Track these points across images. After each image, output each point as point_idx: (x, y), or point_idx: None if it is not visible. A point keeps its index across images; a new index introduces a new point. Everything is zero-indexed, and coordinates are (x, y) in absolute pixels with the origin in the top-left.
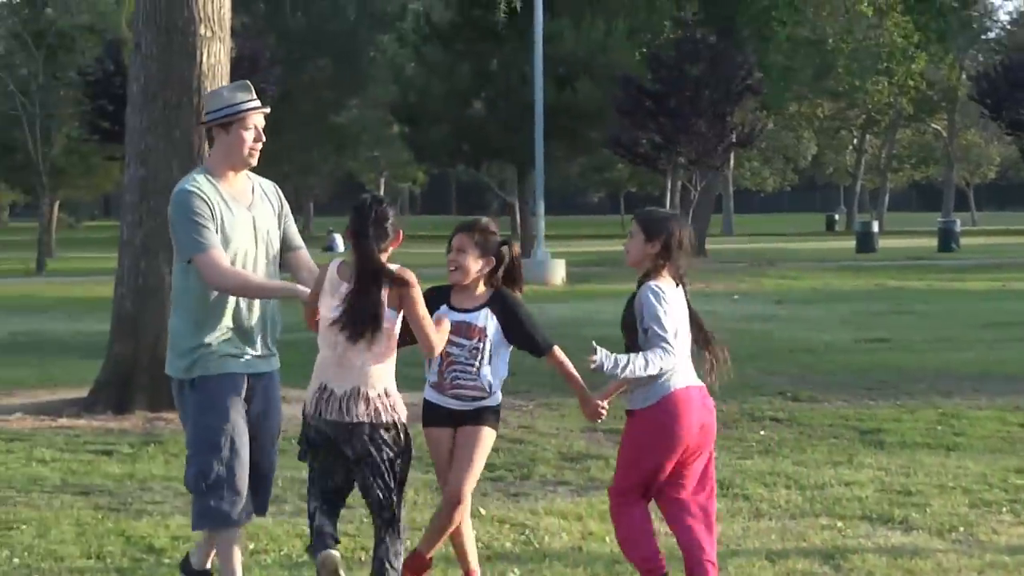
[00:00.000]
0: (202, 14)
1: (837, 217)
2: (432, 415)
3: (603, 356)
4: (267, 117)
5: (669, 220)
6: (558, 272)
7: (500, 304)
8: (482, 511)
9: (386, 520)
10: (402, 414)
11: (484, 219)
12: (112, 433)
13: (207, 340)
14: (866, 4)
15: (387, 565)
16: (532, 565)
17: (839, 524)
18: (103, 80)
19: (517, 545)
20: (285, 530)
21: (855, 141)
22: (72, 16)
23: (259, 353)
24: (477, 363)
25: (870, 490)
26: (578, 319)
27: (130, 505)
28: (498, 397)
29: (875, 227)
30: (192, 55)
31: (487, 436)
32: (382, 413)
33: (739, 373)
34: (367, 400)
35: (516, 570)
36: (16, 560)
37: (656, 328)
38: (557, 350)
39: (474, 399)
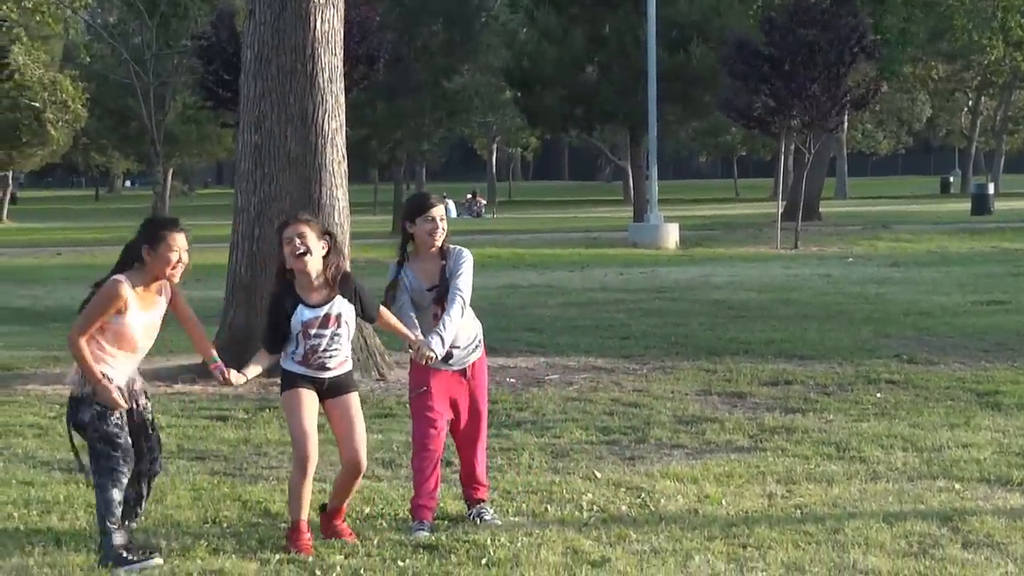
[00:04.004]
0: None
1: (952, 179)
2: (298, 380)
3: (435, 345)
4: (380, 83)
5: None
6: (671, 236)
7: (350, 290)
8: (598, 474)
9: None
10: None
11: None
12: (227, 399)
13: None
14: None
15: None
16: (648, 528)
17: (957, 486)
18: (216, 46)
19: (633, 508)
20: (400, 494)
21: (970, 103)
22: None
23: None
24: (339, 345)
25: (988, 452)
26: (692, 282)
27: (245, 470)
28: (350, 360)
29: (990, 189)
30: (306, 21)
31: (357, 400)
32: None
33: (855, 336)
34: None
35: (632, 533)
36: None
37: (465, 285)
38: (383, 310)
39: (337, 369)
